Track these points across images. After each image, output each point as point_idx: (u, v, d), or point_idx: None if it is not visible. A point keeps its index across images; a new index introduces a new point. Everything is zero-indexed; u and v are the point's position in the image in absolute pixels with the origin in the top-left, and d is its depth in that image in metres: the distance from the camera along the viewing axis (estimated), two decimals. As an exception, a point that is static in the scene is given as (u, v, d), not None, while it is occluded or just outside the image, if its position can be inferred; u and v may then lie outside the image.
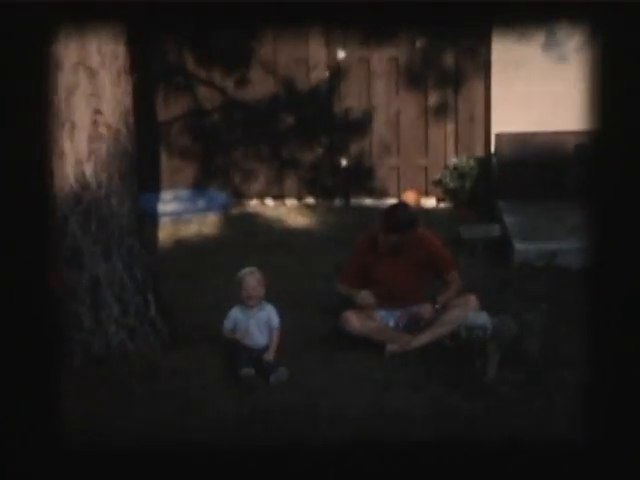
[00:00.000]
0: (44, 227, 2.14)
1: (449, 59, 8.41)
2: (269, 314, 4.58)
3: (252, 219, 8.06)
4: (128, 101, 4.69)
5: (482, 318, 4.35)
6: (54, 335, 2.21)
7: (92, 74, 4.49)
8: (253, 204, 8.60)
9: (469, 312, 4.52)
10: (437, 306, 4.83)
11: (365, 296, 4.84)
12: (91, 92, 4.52)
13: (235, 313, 4.56)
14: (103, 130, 4.55)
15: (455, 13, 2.01)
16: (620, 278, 1.94)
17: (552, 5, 1.89)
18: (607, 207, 1.94)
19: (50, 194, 2.12)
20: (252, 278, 4.55)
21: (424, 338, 4.75)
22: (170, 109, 8.63)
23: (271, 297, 4.64)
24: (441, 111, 8.49)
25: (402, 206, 5.25)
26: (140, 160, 5.04)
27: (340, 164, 8.66)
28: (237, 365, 4.37)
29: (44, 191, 2.17)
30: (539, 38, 8.12)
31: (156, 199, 8.00)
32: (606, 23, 1.82)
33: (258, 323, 4.54)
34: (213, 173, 8.71)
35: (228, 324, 4.56)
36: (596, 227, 1.93)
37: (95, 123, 4.51)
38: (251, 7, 2.10)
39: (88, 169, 4.55)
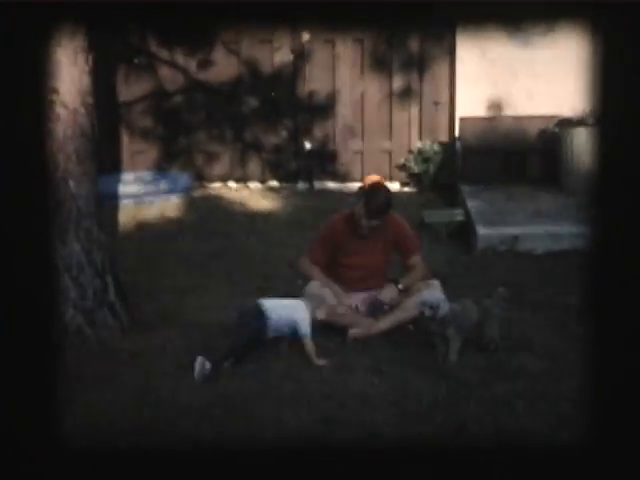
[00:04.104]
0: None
1: (414, 43, 8.37)
2: None
3: (215, 202, 7.99)
4: (86, 80, 4.59)
5: (435, 295, 4.50)
6: (55, 329, 2.15)
7: None
8: (216, 187, 8.53)
9: (424, 291, 4.63)
10: (400, 286, 4.82)
11: (344, 299, 4.87)
12: None
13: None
14: (60, 110, 4.45)
15: (446, 12, 1.98)
16: (621, 268, 1.93)
17: (552, 5, 1.87)
18: (608, 197, 1.93)
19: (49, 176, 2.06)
20: None
21: (387, 322, 4.74)
22: (132, 90, 8.51)
23: (234, 281, 4.60)
24: (406, 95, 8.47)
25: (384, 189, 4.93)
26: (100, 141, 4.94)
27: (304, 147, 8.60)
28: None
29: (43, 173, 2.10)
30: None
31: (117, 181, 7.89)
32: (606, 23, 1.81)
33: None
34: (175, 155, 8.62)
35: None
36: (597, 216, 1.92)
37: (51, 103, 4.40)
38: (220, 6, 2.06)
39: None
